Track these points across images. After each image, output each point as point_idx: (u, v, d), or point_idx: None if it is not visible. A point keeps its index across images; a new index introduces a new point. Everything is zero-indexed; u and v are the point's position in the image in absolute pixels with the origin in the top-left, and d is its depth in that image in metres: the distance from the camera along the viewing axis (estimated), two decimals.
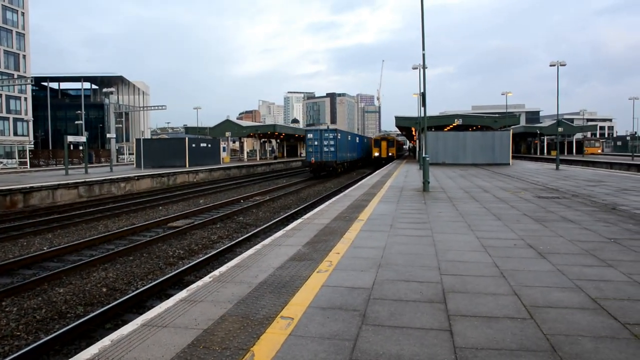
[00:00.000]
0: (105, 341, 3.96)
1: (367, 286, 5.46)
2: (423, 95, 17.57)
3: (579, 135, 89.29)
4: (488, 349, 3.78)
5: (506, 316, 4.50)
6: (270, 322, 4.33)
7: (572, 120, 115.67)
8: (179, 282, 9.40)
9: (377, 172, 32.56)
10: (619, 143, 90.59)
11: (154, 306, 5.29)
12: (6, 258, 11.76)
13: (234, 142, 77.25)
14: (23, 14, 77.62)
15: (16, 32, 76.14)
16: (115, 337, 4.04)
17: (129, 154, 69.76)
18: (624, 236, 8.49)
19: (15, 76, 72.63)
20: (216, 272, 6.09)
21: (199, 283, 5.63)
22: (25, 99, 78.06)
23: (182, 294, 5.21)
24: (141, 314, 5.42)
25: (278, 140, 78.35)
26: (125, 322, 6.58)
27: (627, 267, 6.27)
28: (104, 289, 9.22)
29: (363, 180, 24.13)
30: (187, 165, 39.98)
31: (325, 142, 37.57)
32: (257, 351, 3.73)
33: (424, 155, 18.77)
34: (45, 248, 12.84)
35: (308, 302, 4.88)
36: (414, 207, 12.93)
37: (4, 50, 73.78)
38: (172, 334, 4.10)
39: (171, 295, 5.87)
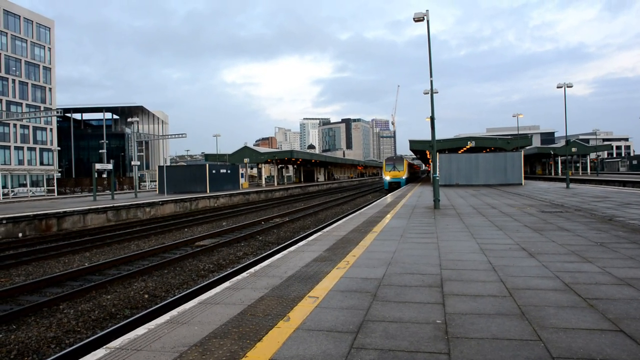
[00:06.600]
0: (173, 312, 5.11)
1: (378, 277, 6.55)
2: (432, 119, 18.77)
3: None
4: (471, 314, 4.84)
5: (490, 295, 5.55)
6: (300, 300, 5.46)
7: (587, 140, 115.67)
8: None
9: (391, 194, 33.66)
10: (634, 162, 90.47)
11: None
12: (53, 272, 13.04)
13: (251, 168, 78.85)
14: (50, 49, 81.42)
15: (43, 66, 79.81)
16: (180, 310, 5.20)
17: (150, 181, 71.72)
18: (611, 241, 9.43)
19: (42, 108, 75.77)
20: (251, 270, 7.25)
21: (239, 277, 6.78)
22: (51, 129, 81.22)
23: (226, 284, 6.36)
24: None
25: (295, 166, 79.87)
26: None
27: (603, 263, 7.26)
28: (146, 296, 10.39)
29: (377, 201, 25.18)
30: (208, 191, 41.39)
31: None
32: (292, 316, 4.85)
33: (434, 175, 19.81)
34: (86, 264, 14.06)
35: (329, 288, 5.99)
36: (424, 221, 13.96)
37: (32, 84, 77.30)
38: (224, 307, 5.24)
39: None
